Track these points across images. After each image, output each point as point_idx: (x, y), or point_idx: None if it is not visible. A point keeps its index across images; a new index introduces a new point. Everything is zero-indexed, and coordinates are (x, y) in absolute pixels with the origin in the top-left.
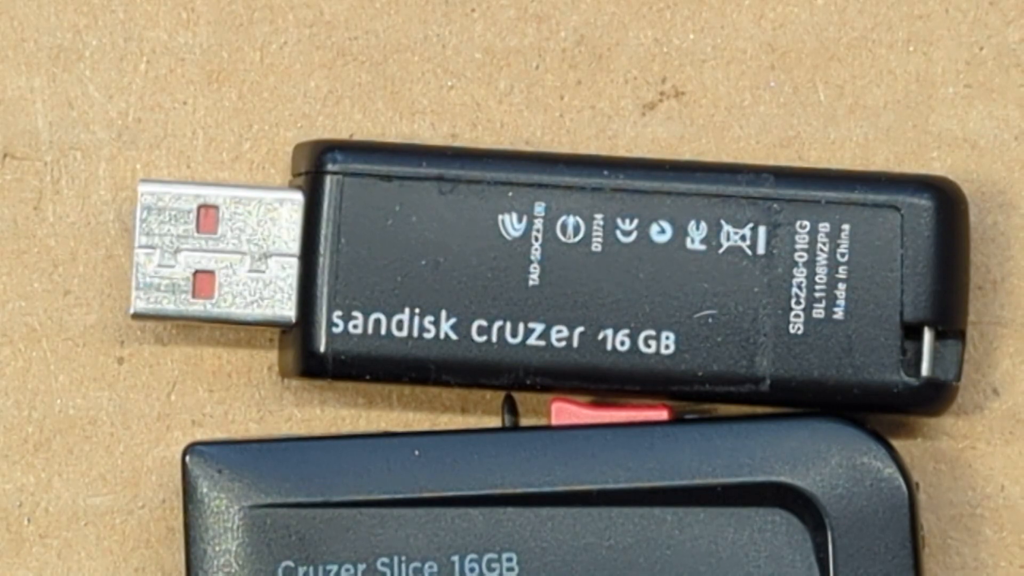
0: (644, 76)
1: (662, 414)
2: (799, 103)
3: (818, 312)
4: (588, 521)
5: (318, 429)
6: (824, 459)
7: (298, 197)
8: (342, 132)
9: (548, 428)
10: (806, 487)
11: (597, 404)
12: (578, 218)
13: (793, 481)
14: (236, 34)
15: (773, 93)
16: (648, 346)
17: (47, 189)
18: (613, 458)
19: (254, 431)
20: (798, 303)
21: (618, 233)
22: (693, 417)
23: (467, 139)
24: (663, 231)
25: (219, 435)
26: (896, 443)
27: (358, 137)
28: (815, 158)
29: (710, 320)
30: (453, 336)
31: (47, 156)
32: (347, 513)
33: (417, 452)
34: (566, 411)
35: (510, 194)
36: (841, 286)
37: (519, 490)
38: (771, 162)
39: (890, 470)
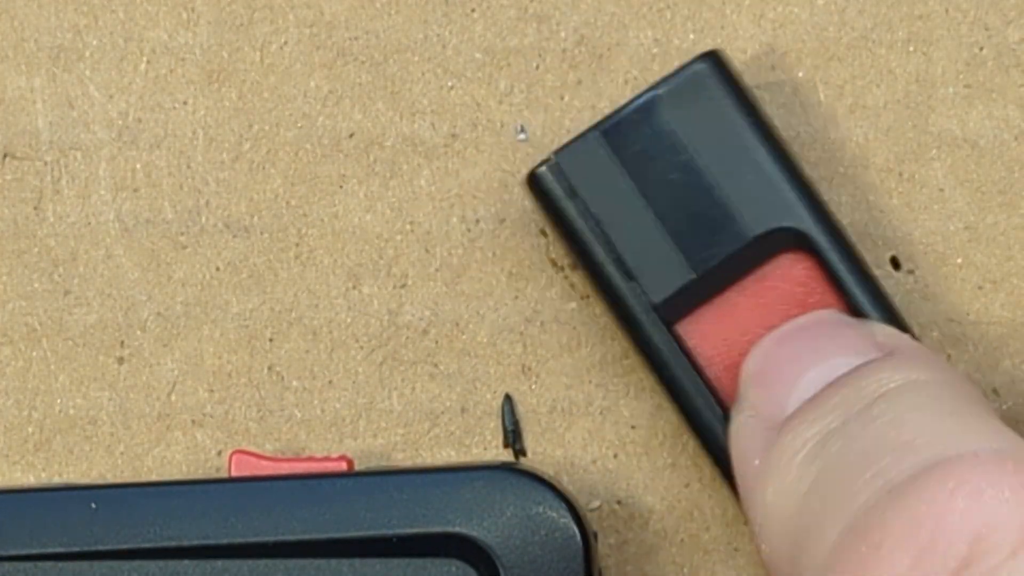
0: (644, 76)
1: (341, 465)
2: (799, 103)
3: None
4: (266, 573)
5: (318, 430)
6: (500, 509)
7: None
8: (342, 132)
9: (227, 480)
10: (481, 537)
11: (278, 456)
12: None
13: (468, 531)
14: (236, 34)
15: (773, 93)
16: None
17: (47, 189)
18: (291, 509)
19: (254, 431)
20: None
21: None
22: (373, 468)
23: (467, 139)
24: None
25: (219, 435)
26: None
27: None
28: (815, 158)
29: None
30: None
31: (47, 156)
32: (23, 567)
33: (94, 505)
34: (246, 462)
35: None
36: None
37: (198, 542)
38: None
39: (565, 520)
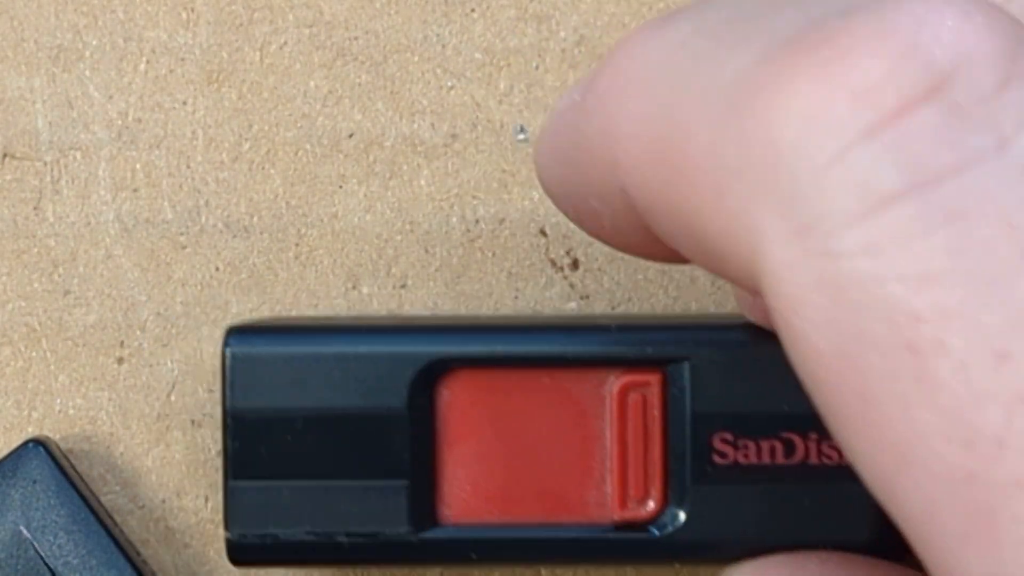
0: None
1: None
2: None
3: None
4: None
5: None
6: None
7: None
8: (342, 132)
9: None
10: None
11: None
12: None
13: None
14: (236, 34)
15: None
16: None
17: (47, 189)
18: None
19: None
20: None
21: None
22: None
23: (467, 139)
24: None
25: (219, 435)
26: None
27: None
28: None
29: None
30: None
31: (47, 156)
32: None
33: None
34: None
35: None
36: None
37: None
38: None
39: None
